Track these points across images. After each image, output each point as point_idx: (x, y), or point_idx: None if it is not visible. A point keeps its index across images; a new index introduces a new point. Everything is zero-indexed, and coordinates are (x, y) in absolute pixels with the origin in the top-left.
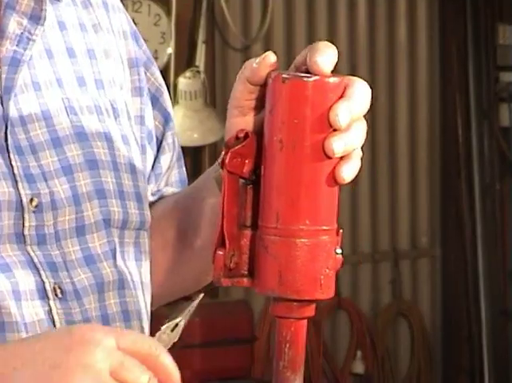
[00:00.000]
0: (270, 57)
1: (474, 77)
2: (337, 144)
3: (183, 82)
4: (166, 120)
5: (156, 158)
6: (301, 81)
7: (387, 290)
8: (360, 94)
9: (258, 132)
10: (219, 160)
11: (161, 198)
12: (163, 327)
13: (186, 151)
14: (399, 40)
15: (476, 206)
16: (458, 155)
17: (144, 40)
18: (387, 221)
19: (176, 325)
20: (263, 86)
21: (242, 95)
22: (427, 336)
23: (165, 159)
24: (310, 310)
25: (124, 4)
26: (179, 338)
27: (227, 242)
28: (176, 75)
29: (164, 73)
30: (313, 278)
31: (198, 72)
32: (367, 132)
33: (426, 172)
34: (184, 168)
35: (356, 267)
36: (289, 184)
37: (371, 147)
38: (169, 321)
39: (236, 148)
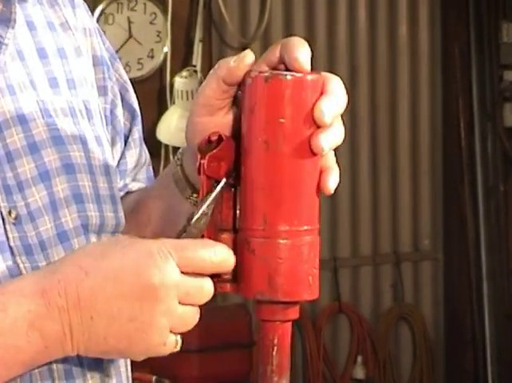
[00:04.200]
0: (249, 57)
1: (477, 76)
2: (325, 141)
3: (180, 82)
4: (132, 116)
5: (122, 154)
6: (284, 80)
7: (388, 293)
8: (339, 90)
9: (234, 133)
10: (197, 165)
11: (127, 193)
12: (193, 221)
13: None
14: (400, 39)
15: (479, 208)
16: (461, 157)
17: (140, 39)
18: (388, 223)
19: (205, 214)
20: (237, 86)
21: (214, 94)
22: (430, 340)
23: (131, 154)
24: (295, 312)
25: (119, 3)
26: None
27: None
28: (173, 74)
29: (160, 72)
30: (302, 279)
31: (195, 71)
32: (368, 134)
33: (428, 173)
34: (151, 167)
35: (357, 270)
36: (276, 185)
37: (372, 148)
38: (195, 215)
39: (213, 152)
